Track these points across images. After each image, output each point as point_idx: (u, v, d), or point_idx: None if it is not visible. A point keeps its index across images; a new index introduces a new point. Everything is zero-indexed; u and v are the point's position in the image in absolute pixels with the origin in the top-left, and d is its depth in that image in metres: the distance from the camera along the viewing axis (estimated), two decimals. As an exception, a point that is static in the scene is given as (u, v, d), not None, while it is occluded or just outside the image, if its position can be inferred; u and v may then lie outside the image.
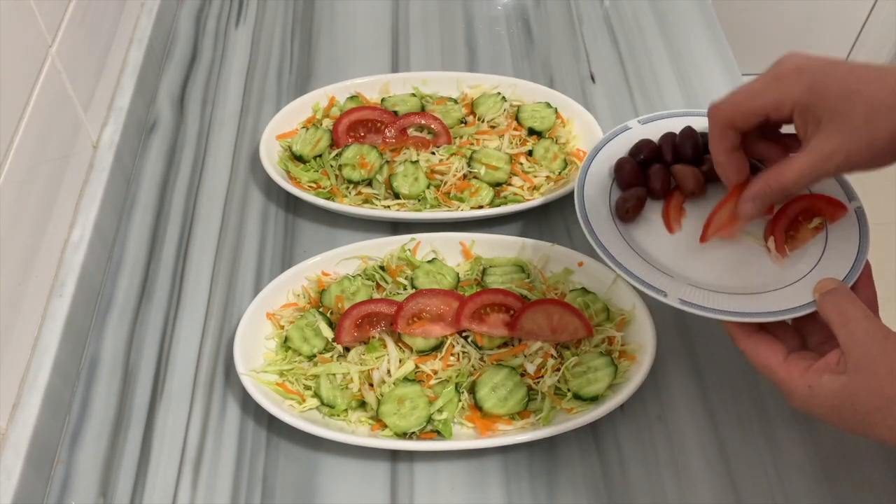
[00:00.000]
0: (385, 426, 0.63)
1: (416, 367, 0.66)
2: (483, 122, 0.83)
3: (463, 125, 0.83)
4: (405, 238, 0.73)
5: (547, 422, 0.64)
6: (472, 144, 0.81)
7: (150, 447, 0.65)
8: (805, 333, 0.59)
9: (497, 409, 0.64)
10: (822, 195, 0.65)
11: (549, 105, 0.84)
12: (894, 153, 0.53)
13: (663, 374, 0.68)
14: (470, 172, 0.78)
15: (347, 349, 0.67)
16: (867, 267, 0.62)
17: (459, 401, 0.65)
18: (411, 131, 0.81)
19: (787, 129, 0.60)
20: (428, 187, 0.77)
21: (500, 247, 0.74)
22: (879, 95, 0.51)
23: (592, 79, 0.92)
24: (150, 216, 0.80)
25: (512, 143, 0.81)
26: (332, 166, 0.79)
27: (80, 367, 0.70)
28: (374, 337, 0.67)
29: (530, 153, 0.81)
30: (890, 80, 0.51)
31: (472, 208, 0.76)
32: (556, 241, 0.73)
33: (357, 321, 0.67)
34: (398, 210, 0.76)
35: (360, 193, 0.78)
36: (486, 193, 0.77)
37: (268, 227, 0.79)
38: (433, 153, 0.80)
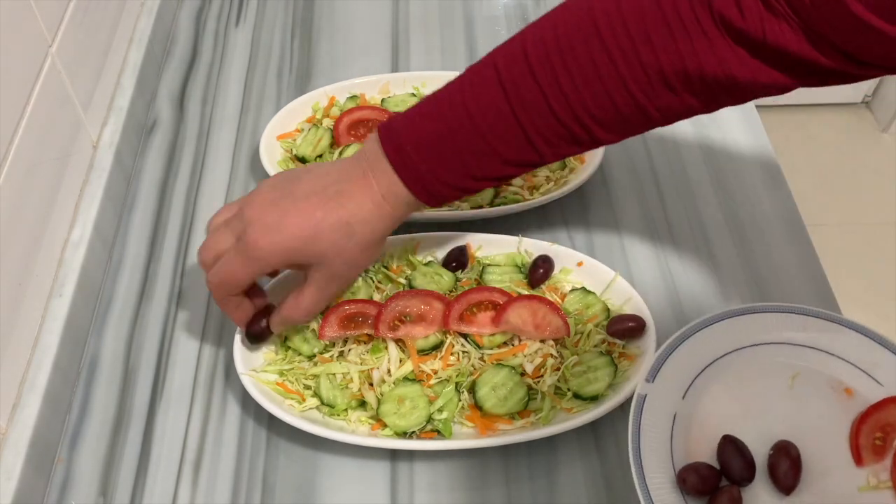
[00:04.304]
0: (385, 426, 0.63)
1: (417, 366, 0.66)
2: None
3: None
4: (405, 238, 0.73)
5: (547, 421, 0.64)
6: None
7: (150, 447, 0.65)
8: None
9: (497, 409, 0.64)
10: None
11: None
12: (378, 247, 0.63)
13: (663, 374, 0.68)
14: (470, 172, 0.78)
15: (349, 349, 0.67)
16: None
17: (459, 400, 0.65)
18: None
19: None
20: (428, 187, 0.77)
21: (500, 247, 0.74)
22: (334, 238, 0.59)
23: (592, 79, 0.92)
24: (150, 216, 0.80)
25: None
26: (332, 166, 0.79)
27: (80, 367, 0.70)
28: (356, 338, 0.67)
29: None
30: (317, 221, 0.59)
31: (472, 208, 0.76)
32: (556, 241, 0.73)
33: (342, 319, 0.67)
34: (398, 210, 0.76)
35: (360, 193, 0.78)
36: (486, 193, 0.77)
37: (268, 227, 0.79)
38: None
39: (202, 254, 0.62)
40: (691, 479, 0.57)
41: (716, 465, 0.59)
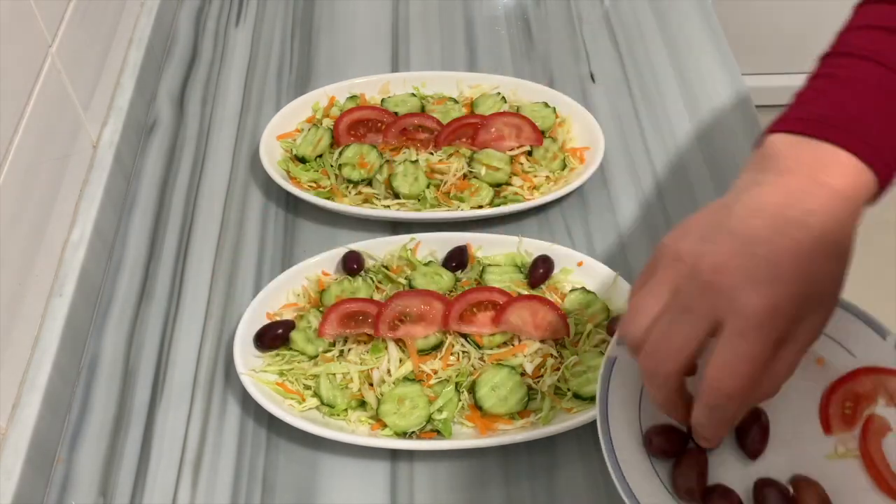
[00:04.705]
0: (385, 426, 0.63)
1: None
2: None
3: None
4: (405, 238, 0.73)
5: (547, 421, 0.64)
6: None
7: (150, 447, 0.65)
8: None
9: (497, 409, 0.64)
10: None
11: (547, 105, 0.84)
12: (849, 262, 0.49)
13: (663, 374, 0.68)
14: (470, 172, 0.78)
15: (349, 349, 0.67)
16: None
17: (459, 400, 0.65)
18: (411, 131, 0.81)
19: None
20: (428, 187, 0.77)
21: (500, 247, 0.74)
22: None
23: (592, 79, 0.92)
24: (150, 216, 0.80)
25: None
26: (331, 166, 0.79)
27: (80, 367, 0.70)
28: (356, 337, 0.67)
29: (530, 153, 0.81)
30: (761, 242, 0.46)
31: (472, 208, 0.76)
32: (556, 241, 0.73)
33: (342, 317, 0.67)
34: (398, 210, 0.76)
35: (360, 193, 0.78)
36: (486, 193, 0.77)
37: (268, 227, 0.79)
38: (432, 153, 0.80)
39: (669, 363, 0.48)
40: (657, 440, 0.57)
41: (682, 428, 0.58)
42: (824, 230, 0.46)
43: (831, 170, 0.47)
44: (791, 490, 0.56)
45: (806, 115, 0.50)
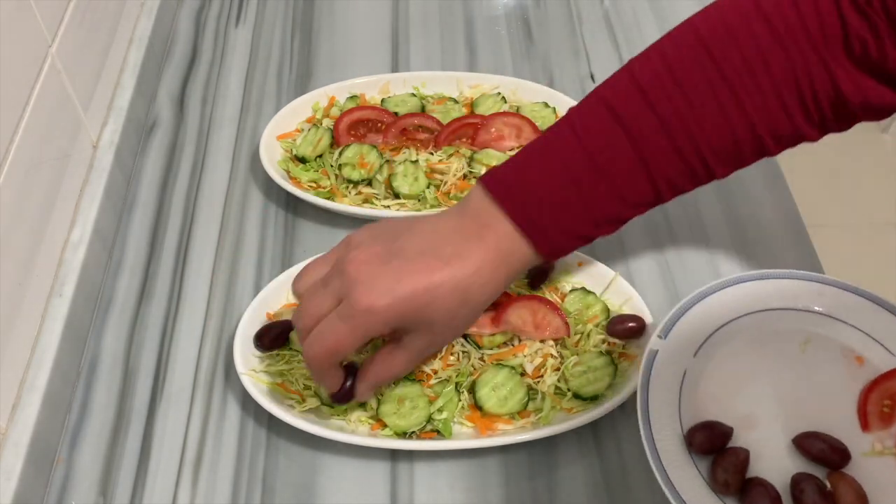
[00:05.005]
0: (385, 426, 0.63)
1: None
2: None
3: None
4: (405, 238, 0.73)
5: (547, 421, 0.64)
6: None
7: (150, 447, 0.65)
8: None
9: (497, 409, 0.64)
10: None
11: (547, 105, 0.84)
12: (483, 310, 0.59)
13: (663, 374, 0.68)
14: (470, 173, 0.78)
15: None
16: None
17: (459, 400, 0.65)
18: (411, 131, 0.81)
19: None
20: (428, 187, 0.77)
21: (500, 247, 0.74)
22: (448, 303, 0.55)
23: (592, 79, 0.92)
24: (150, 216, 0.80)
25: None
26: (331, 166, 0.79)
27: (80, 367, 0.70)
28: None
29: (530, 153, 0.80)
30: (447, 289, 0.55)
31: (472, 208, 0.76)
32: (556, 241, 0.73)
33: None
34: (398, 210, 0.76)
35: (360, 193, 0.78)
36: (486, 193, 0.77)
37: (268, 227, 0.79)
38: (432, 153, 0.80)
39: (303, 320, 0.56)
40: (699, 437, 0.58)
41: (725, 423, 0.59)
42: (462, 274, 0.54)
43: (495, 231, 0.56)
44: (828, 485, 0.57)
45: (500, 175, 0.58)
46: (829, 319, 0.65)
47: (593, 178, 0.56)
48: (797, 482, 0.57)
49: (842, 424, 0.60)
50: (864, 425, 0.60)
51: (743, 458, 0.58)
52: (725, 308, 0.65)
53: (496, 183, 0.57)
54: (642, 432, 0.57)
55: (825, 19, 0.52)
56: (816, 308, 0.65)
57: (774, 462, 0.59)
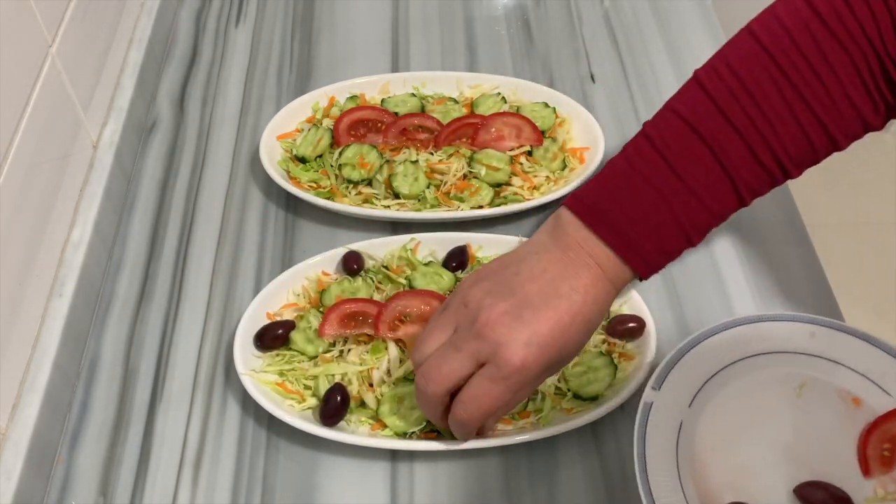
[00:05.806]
0: (385, 426, 0.63)
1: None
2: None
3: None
4: (405, 238, 0.73)
5: (547, 422, 0.64)
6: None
7: (150, 447, 0.65)
8: None
9: (497, 409, 0.64)
10: None
11: (547, 105, 0.84)
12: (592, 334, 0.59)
13: (663, 374, 0.68)
14: (470, 173, 0.78)
15: (349, 349, 0.67)
16: None
17: (459, 401, 0.65)
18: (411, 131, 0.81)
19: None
20: (428, 187, 0.77)
21: (500, 247, 0.74)
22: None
23: (592, 79, 0.92)
24: (150, 216, 0.80)
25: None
26: (331, 166, 0.79)
27: (80, 367, 0.70)
28: (356, 338, 0.67)
29: (530, 153, 0.81)
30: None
31: (472, 208, 0.76)
32: (556, 241, 0.73)
33: (342, 317, 0.67)
34: (398, 210, 0.76)
35: (360, 193, 0.78)
36: (486, 193, 0.77)
37: (268, 227, 0.79)
38: (432, 153, 0.80)
39: (435, 383, 0.56)
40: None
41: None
42: (583, 305, 0.56)
43: (596, 257, 0.57)
44: None
45: (590, 201, 0.58)
46: (824, 361, 0.64)
47: (683, 194, 0.57)
48: None
49: (843, 471, 0.59)
50: (866, 471, 0.59)
51: None
52: (717, 355, 0.64)
53: (587, 208, 0.58)
54: (641, 489, 0.56)
55: (874, 7, 0.53)
56: (810, 350, 0.64)
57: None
